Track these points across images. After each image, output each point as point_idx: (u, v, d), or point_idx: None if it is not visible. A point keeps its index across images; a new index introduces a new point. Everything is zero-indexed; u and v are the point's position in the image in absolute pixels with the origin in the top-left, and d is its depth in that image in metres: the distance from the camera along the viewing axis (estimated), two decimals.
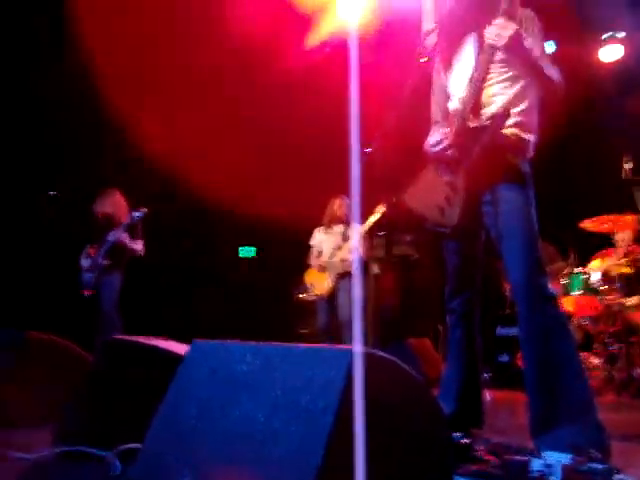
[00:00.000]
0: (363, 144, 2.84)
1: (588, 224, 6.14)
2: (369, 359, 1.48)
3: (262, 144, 7.66)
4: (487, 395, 5.61)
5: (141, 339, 2.48)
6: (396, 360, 1.56)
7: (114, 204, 6.05)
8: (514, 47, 2.59)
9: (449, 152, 2.74)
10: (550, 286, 2.62)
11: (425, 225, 2.83)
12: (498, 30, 2.55)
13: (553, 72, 2.69)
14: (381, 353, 1.53)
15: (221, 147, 7.18)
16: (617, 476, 2.03)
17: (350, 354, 1.44)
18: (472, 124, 2.68)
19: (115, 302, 5.90)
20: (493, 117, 2.64)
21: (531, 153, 2.79)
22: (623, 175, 6.01)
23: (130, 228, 5.87)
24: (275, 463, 1.43)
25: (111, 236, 5.81)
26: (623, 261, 5.97)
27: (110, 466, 2.24)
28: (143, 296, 7.43)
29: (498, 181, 2.69)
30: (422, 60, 2.75)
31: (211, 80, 6.76)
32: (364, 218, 6.21)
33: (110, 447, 2.24)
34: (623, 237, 6.14)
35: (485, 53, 2.64)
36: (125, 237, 5.86)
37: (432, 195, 2.77)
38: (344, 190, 6.11)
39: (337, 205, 6.40)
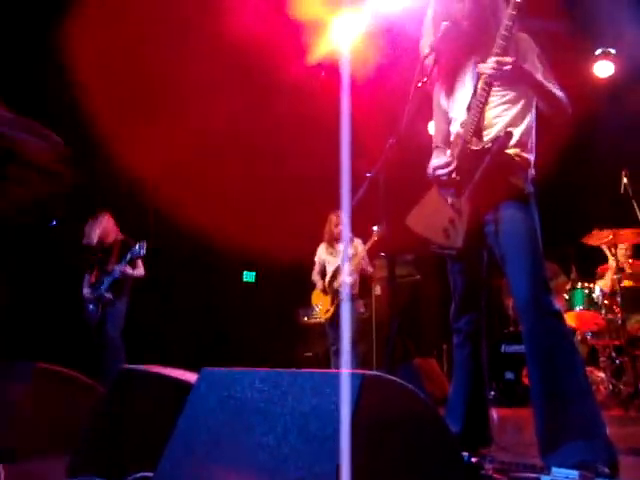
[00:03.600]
0: (365, 167, 2.89)
1: (589, 239, 6.18)
2: (375, 382, 1.51)
3: (261, 168, 7.73)
4: (494, 413, 5.62)
5: (152, 368, 2.51)
6: (402, 382, 1.59)
7: (104, 228, 6.17)
8: (513, 79, 2.65)
9: (452, 175, 2.79)
10: (555, 302, 2.65)
11: (431, 248, 2.86)
12: (494, 66, 2.59)
13: (559, 92, 2.73)
14: (386, 375, 1.56)
15: (220, 173, 7.24)
16: None
17: (357, 378, 1.47)
18: (474, 147, 2.72)
19: (120, 330, 5.99)
20: (496, 139, 2.69)
21: (533, 172, 2.84)
22: (622, 189, 6.07)
23: (132, 260, 5.99)
24: None
25: (116, 272, 5.93)
26: (623, 275, 6.01)
27: None
28: (147, 323, 7.46)
29: (502, 201, 2.73)
30: (420, 84, 2.80)
31: (209, 106, 6.82)
32: (363, 238, 6.28)
33: (124, 477, 2.27)
34: (622, 251, 6.18)
35: (482, 86, 2.69)
36: (128, 269, 5.98)
37: (436, 218, 2.81)
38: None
39: (334, 224, 6.44)
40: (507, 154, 2.74)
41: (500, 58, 2.57)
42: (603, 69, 7.46)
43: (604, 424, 2.54)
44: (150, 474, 1.94)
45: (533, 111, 2.84)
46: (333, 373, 1.55)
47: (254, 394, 1.67)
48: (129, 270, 5.99)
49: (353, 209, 2.88)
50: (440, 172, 2.84)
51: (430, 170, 2.91)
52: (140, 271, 6.13)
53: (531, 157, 2.83)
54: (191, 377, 2.33)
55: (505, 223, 2.71)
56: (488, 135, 2.75)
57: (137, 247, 5.93)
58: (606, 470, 2.22)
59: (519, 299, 2.66)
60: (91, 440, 2.47)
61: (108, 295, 5.96)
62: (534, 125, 2.87)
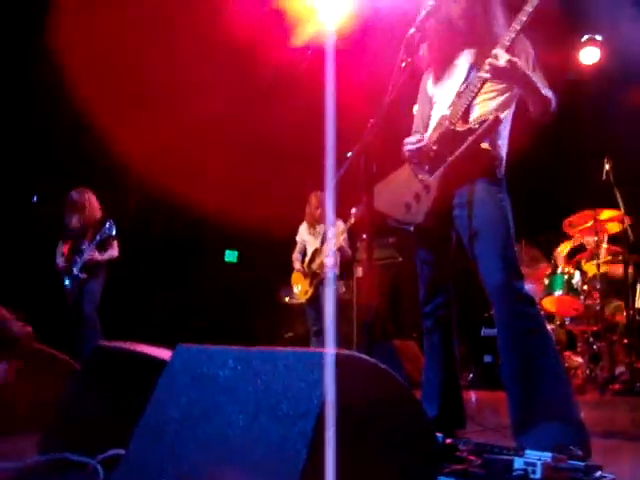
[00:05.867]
0: (344, 148, 2.87)
1: (569, 227, 6.22)
2: (349, 362, 1.50)
3: (243, 146, 7.68)
4: (472, 395, 5.68)
5: (127, 345, 2.48)
6: (376, 362, 1.58)
7: (85, 205, 6.11)
8: (509, 78, 2.62)
9: (424, 150, 2.77)
10: (526, 288, 2.65)
11: (389, 223, 2.84)
12: (493, 62, 2.56)
13: (549, 93, 2.72)
14: (361, 355, 1.55)
15: (203, 151, 7.19)
16: (597, 473, 2.06)
17: (330, 359, 1.46)
18: (460, 128, 2.71)
19: (96, 307, 5.98)
20: (483, 122, 2.67)
21: (504, 163, 2.83)
22: (604, 176, 6.09)
23: (101, 242, 5.94)
24: (256, 468, 1.45)
25: (85, 253, 5.90)
26: (601, 261, 6.06)
27: (93, 473, 2.25)
28: (127, 301, 7.42)
29: (474, 183, 2.72)
30: (403, 64, 2.79)
31: (193, 87, 6.77)
32: (343, 218, 6.25)
33: (96, 453, 2.25)
34: (599, 238, 6.22)
35: (480, 75, 2.67)
36: (95, 255, 5.95)
37: (401, 193, 2.80)
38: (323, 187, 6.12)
39: (314, 205, 6.43)
40: (491, 136, 2.73)
41: (500, 53, 2.54)
42: (589, 56, 7.45)
43: (578, 407, 2.56)
44: (122, 451, 1.93)
45: (514, 104, 2.84)
46: (305, 352, 1.54)
47: (227, 372, 1.66)
48: (97, 256, 5.96)
49: (333, 189, 2.86)
50: (410, 147, 2.83)
51: (405, 146, 2.91)
52: (112, 252, 6.08)
53: (504, 147, 2.83)
54: (166, 354, 2.31)
55: (476, 207, 2.70)
56: (473, 118, 2.74)
57: (106, 226, 5.88)
58: (579, 452, 2.24)
59: (490, 284, 2.65)
60: (64, 416, 2.45)
61: (82, 275, 5.94)
62: (511, 118, 2.87)
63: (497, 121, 2.67)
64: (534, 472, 1.94)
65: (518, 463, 2.01)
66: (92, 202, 6.21)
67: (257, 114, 7.33)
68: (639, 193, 6.16)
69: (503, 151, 2.83)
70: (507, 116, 2.83)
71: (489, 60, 2.57)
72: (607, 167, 6.09)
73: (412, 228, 2.79)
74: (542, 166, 6.85)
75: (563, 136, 6.96)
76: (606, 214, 5.99)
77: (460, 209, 2.75)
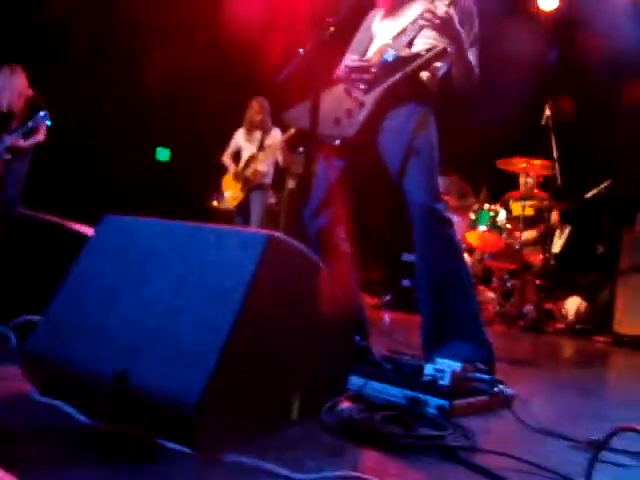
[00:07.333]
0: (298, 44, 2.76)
1: (506, 164, 6.33)
2: (278, 242, 1.49)
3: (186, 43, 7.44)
4: (386, 316, 5.84)
5: (51, 216, 2.41)
6: (308, 250, 1.58)
7: (15, 90, 5.86)
8: (443, 30, 2.60)
9: (369, 71, 2.71)
10: (446, 210, 2.70)
11: (315, 137, 2.75)
12: (432, 12, 2.53)
13: (475, 68, 2.74)
14: (292, 240, 1.54)
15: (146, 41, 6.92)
16: (499, 386, 2.17)
17: (262, 237, 1.45)
18: (404, 54, 2.68)
19: (20, 189, 5.85)
20: (432, 49, 2.65)
21: (435, 96, 2.83)
22: (543, 121, 6.21)
23: (32, 129, 5.74)
24: (178, 340, 1.44)
25: (12, 135, 5.70)
26: (527, 203, 6.25)
27: (5, 339, 2.20)
28: (53, 192, 7.20)
29: (406, 109, 2.72)
30: None
31: None
32: (284, 127, 6.13)
33: (9, 320, 2.20)
34: (528, 180, 6.39)
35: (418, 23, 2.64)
36: (21, 142, 5.81)
37: (330, 109, 2.72)
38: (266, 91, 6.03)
39: (254, 110, 6.27)
40: (434, 67, 2.72)
41: (439, 4, 2.51)
42: (548, 1, 7.44)
43: (483, 326, 2.67)
44: (35, 317, 1.89)
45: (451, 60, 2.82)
46: (237, 230, 1.52)
47: (154, 244, 1.62)
48: (22, 143, 5.80)
49: (279, 86, 2.78)
50: (352, 63, 2.76)
51: (344, 64, 2.82)
52: (38, 137, 5.89)
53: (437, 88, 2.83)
54: (89, 230, 2.26)
55: (405, 130, 2.69)
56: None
57: (40, 115, 5.67)
58: (484, 367, 2.34)
59: (413, 204, 2.66)
60: None
61: (7, 156, 5.75)
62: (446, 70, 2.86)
63: (445, 51, 2.65)
64: (442, 378, 2.03)
65: (428, 369, 2.10)
66: (20, 81, 5.93)
67: (205, 11, 7.07)
68: (574, 141, 6.34)
69: (436, 89, 2.83)
70: (444, 66, 2.82)
71: (428, 7, 2.56)
72: (547, 113, 6.21)
73: (338, 142, 2.72)
74: (483, 105, 6.89)
75: (508, 79, 7.02)
76: (537, 162, 6.13)
77: (389, 131, 2.74)
